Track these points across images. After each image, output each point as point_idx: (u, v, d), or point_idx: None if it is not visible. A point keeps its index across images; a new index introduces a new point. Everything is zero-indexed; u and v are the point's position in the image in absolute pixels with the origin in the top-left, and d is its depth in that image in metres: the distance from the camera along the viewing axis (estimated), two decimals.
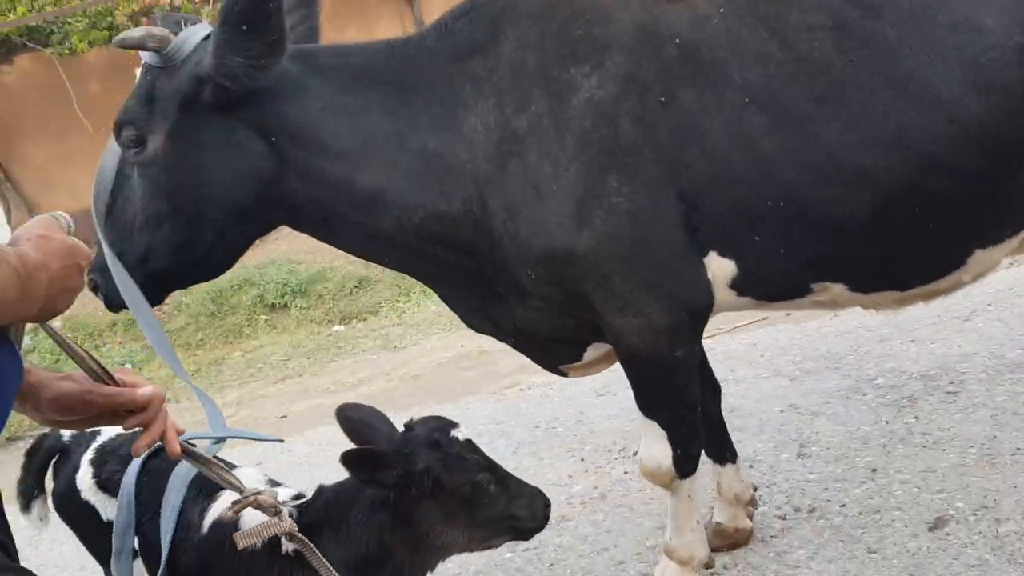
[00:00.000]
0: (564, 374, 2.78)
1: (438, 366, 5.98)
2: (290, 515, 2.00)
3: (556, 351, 2.62)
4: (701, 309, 2.36)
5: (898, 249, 2.28)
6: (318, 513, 2.09)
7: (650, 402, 2.50)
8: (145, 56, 2.32)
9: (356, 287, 8.46)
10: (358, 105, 2.34)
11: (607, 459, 3.80)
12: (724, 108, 2.18)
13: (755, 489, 3.09)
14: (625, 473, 3.62)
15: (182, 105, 2.29)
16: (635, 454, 3.75)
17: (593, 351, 2.60)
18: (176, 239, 2.38)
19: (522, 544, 3.28)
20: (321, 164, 2.34)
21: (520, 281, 2.37)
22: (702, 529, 2.74)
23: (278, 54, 2.20)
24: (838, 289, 2.39)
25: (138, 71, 2.38)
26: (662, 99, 2.20)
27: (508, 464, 3.82)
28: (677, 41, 2.22)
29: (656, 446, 2.53)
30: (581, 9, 2.29)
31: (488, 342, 5.88)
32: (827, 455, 3.31)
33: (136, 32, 2.31)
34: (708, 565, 2.77)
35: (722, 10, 2.25)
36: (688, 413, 2.52)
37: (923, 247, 2.29)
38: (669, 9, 2.28)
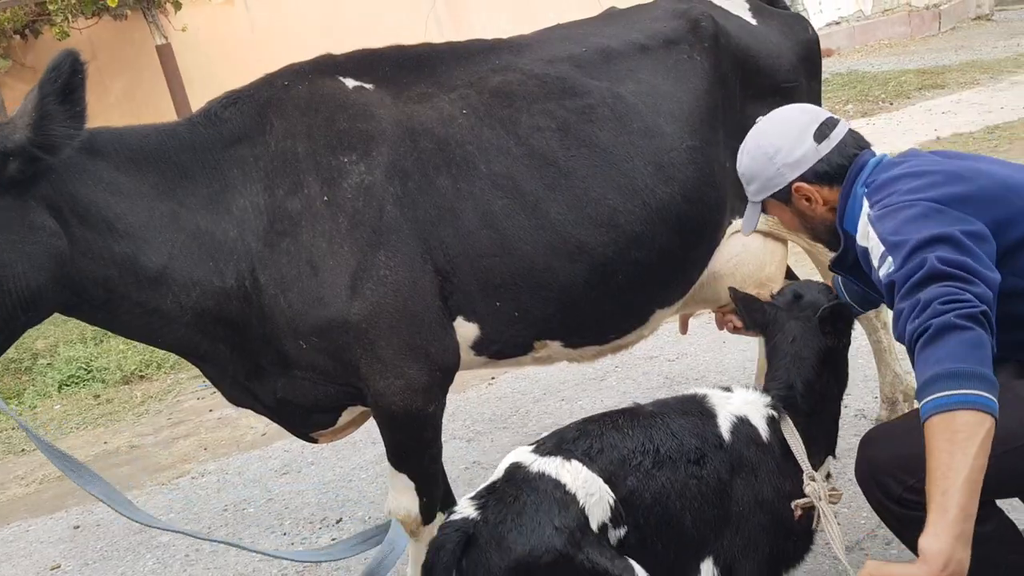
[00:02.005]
0: (314, 440, 2.92)
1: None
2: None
3: (312, 418, 2.76)
4: (452, 368, 2.68)
5: (603, 309, 2.82)
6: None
7: (402, 456, 2.74)
8: None
9: None
10: (137, 186, 2.37)
11: (310, 530, 3.91)
12: (473, 193, 2.57)
13: None
14: (332, 539, 3.75)
15: None
16: (338, 522, 3.92)
17: (347, 415, 2.79)
18: None
19: None
20: (107, 243, 2.32)
21: (287, 353, 2.52)
22: None
23: (83, 125, 2.19)
24: (555, 346, 2.87)
25: None
26: (420, 185, 2.54)
27: (203, 547, 3.82)
28: (431, 136, 2.59)
29: (405, 496, 2.77)
30: (344, 104, 2.56)
31: (137, 436, 5.67)
32: None
33: None
34: None
35: (464, 111, 2.67)
36: (432, 464, 2.81)
37: (621, 308, 2.85)
38: (419, 109, 2.65)
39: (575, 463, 2.00)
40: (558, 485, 1.96)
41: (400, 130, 2.56)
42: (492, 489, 2.02)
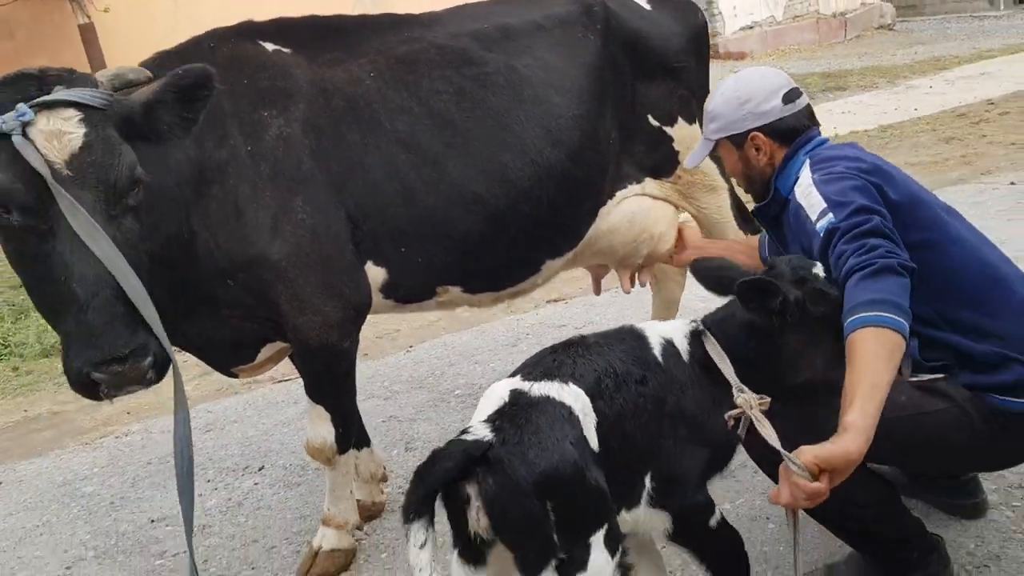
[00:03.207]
0: (235, 375, 3.17)
1: (3, 430, 5.59)
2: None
3: (235, 354, 3.01)
4: (364, 308, 2.97)
5: (498, 259, 3.14)
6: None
7: (319, 388, 3.02)
8: None
9: None
10: None
11: (234, 476, 4.14)
12: (380, 148, 2.87)
13: (385, 469, 3.71)
14: (255, 484, 4.00)
15: None
16: (260, 469, 4.17)
17: (266, 352, 3.04)
18: None
19: (170, 550, 3.53)
20: None
21: (215, 292, 2.76)
22: (354, 498, 3.29)
23: (185, 135, 2.54)
24: (455, 291, 3.18)
25: None
26: (333, 139, 2.82)
27: (130, 496, 4.03)
28: (342, 96, 2.87)
29: (322, 426, 3.04)
30: (264, 65, 2.83)
31: (58, 404, 5.78)
32: (430, 445, 4.07)
33: None
34: (359, 527, 3.32)
35: (372, 75, 2.96)
36: (347, 398, 3.10)
37: (514, 257, 3.18)
38: (332, 72, 2.93)
39: (572, 386, 2.06)
40: (563, 406, 2.01)
41: (315, 89, 2.84)
42: (501, 413, 2.01)
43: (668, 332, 2.35)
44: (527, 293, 3.44)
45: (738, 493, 3.31)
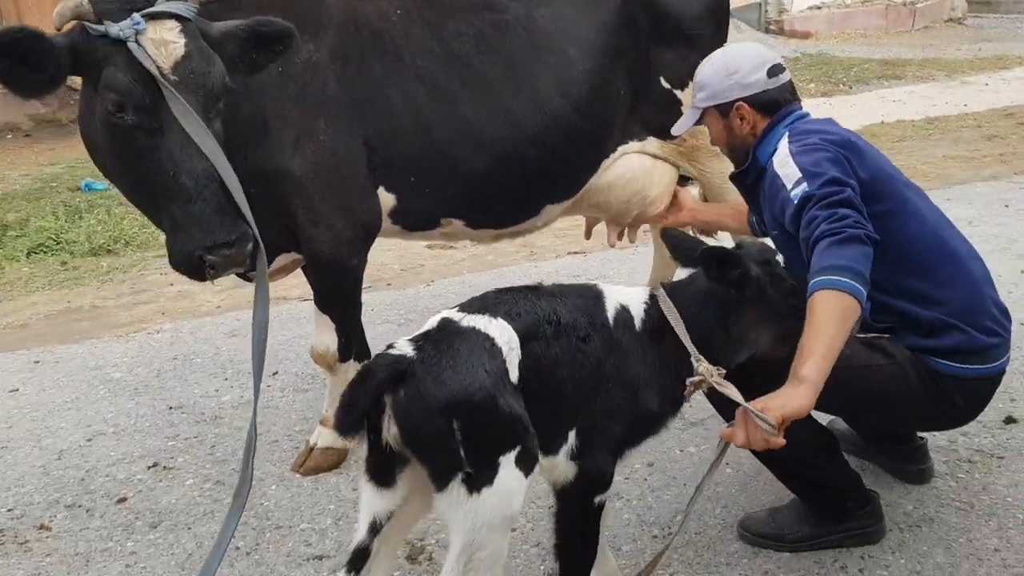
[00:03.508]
0: (250, 280, 3.43)
1: (46, 317, 5.98)
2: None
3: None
4: (373, 229, 3.22)
5: (501, 197, 3.37)
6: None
7: (326, 299, 3.29)
8: None
9: None
10: None
11: (249, 378, 4.41)
12: (400, 80, 3.10)
13: None
14: (267, 386, 4.32)
15: None
16: (275, 374, 4.48)
17: (280, 260, 3.30)
18: None
19: (182, 434, 3.86)
20: None
21: None
22: None
23: (251, 75, 2.84)
24: (458, 224, 3.41)
25: None
26: (358, 67, 3.05)
27: (153, 384, 4.37)
28: (369, 28, 3.10)
29: (327, 335, 3.32)
30: None
31: (99, 299, 6.15)
32: None
33: None
34: None
35: (399, 11, 3.18)
36: (352, 310, 3.37)
37: (517, 199, 3.40)
38: (361, 5, 3.16)
39: (501, 320, 2.15)
40: (487, 337, 2.11)
41: (345, 20, 3.06)
42: (427, 335, 2.14)
43: (626, 298, 2.42)
44: (527, 233, 3.67)
45: (704, 439, 3.54)
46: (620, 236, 3.92)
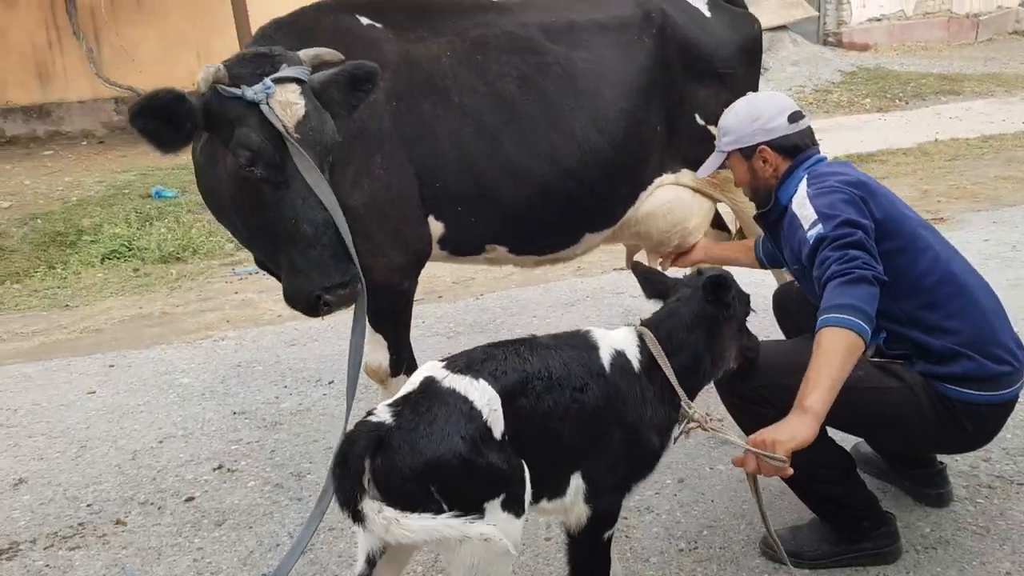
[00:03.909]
0: None
1: (119, 323, 6.36)
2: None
3: None
4: (424, 255, 3.47)
5: (541, 226, 3.58)
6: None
7: (380, 320, 3.53)
8: None
9: None
10: None
11: (308, 386, 4.75)
12: (448, 119, 3.34)
13: None
14: (324, 395, 4.60)
15: None
16: (331, 383, 4.76)
17: None
18: None
19: (245, 439, 4.15)
20: None
21: None
22: None
23: (347, 114, 3.05)
24: (502, 251, 3.64)
25: None
26: (410, 107, 3.30)
27: (218, 390, 4.68)
28: (421, 70, 3.35)
29: (380, 352, 3.57)
30: (359, 37, 3.31)
31: (169, 305, 6.50)
32: None
33: None
34: None
35: (448, 54, 3.42)
36: (404, 330, 3.61)
37: (556, 228, 3.62)
38: (414, 48, 3.40)
39: (482, 382, 2.20)
40: (466, 400, 2.16)
41: (400, 62, 3.31)
42: (407, 399, 2.20)
43: (618, 342, 2.53)
44: (568, 260, 3.89)
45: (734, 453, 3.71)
46: (664, 266, 4.11)
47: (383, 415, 2.16)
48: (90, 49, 11.68)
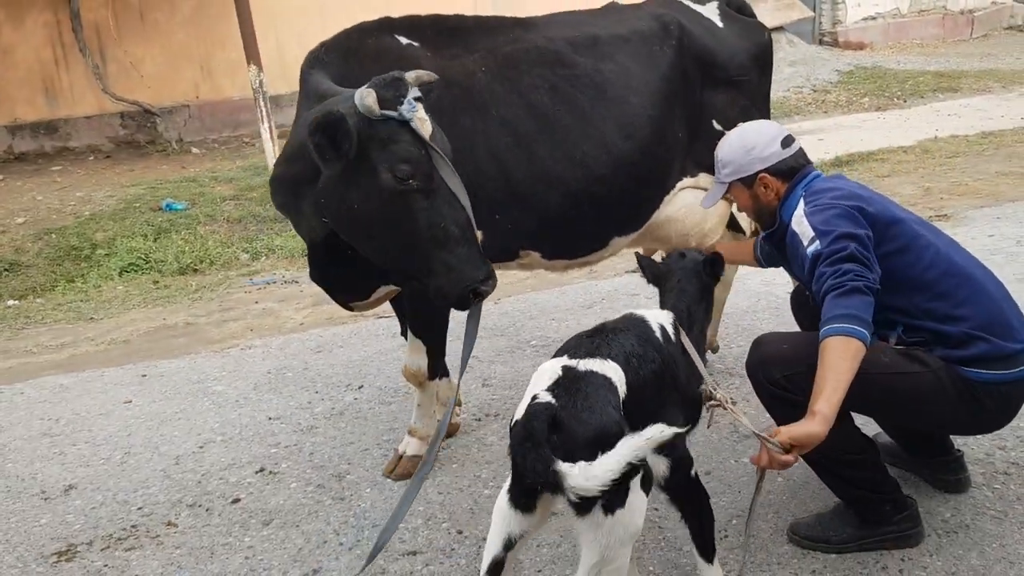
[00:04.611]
0: (351, 309, 3.85)
1: (145, 334, 6.49)
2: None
3: (356, 290, 3.66)
4: None
5: (573, 231, 3.74)
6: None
7: (421, 327, 3.69)
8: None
9: (6, 270, 8.40)
10: None
11: (339, 391, 4.89)
12: (486, 131, 3.49)
13: (459, 393, 4.39)
14: (355, 399, 4.75)
15: None
16: (360, 387, 4.90)
17: (378, 292, 3.70)
18: None
19: (283, 442, 4.29)
20: None
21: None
22: (435, 417, 3.98)
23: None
24: (535, 256, 3.80)
25: None
26: (451, 121, 3.44)
27: (252, 397, 4.82)
28: (459, 86, 3.50)
29: (419, 356, 3.73)
30: (400, 56, 3.47)
31: (192, 316, 6.63)
32: (504, 384, 4.75)
33: None
34: None
35: (483, 69, 3.58)
36: (441, 336, 3.77)
37: (587, 232, 3.78)
38: (451, 65, 3.56)
39: (611, 362, 2.51)
40: (606, 378, 2.45)
41: (438, 79, 3.47)
42: (557, 384, 2.42)
43: (659, 318, 2.89)
44: (595, 264, 4.04)
45: (756, 451, 3.86)
46: None
47: (545, 397, 2.36)
48: (96, 65, 11.79)
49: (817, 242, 2.88)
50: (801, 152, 3.26)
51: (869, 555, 3.13)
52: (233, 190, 9.44)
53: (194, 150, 11.88)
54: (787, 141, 3.23)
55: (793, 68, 13.71)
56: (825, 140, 10.26)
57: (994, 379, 2.92)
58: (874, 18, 16.73)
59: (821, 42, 16.22)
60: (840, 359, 2.64)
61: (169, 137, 12.04)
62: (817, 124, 11.40)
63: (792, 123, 11.52)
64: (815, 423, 2.59)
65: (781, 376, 2.99)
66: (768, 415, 3.17)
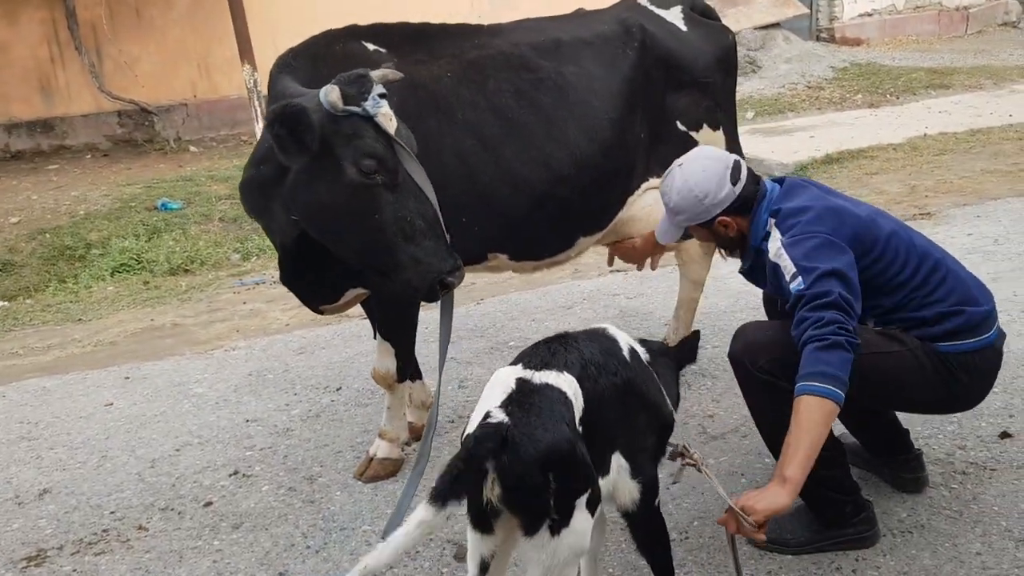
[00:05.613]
0: (322, 312, 3.90)
1: (132, 335, 6.54)
2: None
3: (326, 294, 3.71)
4: None
5: (539, 232, 3.80)
6: None
7: (390, 329, 3.74)
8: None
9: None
10: None
11: (317, 393, 4.94)
12: (451, 134, 3.54)
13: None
14: (332, 401, 4.80)
15: None
16: (338, 389, 4.95)
17: (348, 295, 3.74)
18: None
19: (258, 445, 4.34)
20: None
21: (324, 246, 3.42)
22: (406, 420, 4.03)
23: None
24: (503, 258, 3.85)
25: None
26: (416, 125, 3.47)
27: (231, 399, 4.87)
28: (425, 90, 3.55)
29: (388, 359, 3.77)
30: (367, 61, 3.48)
31: (180, 316, 6.68)
32: (481, 386, 4.78)
33: None
34: (407, 443, 4.07)
35: (449, 74, 3.63)
36: (409, 339, 3.82)
37: (553, 233, 3.83)
38: (417, 70, 3.61)
39: (566, 374, 2.42)
40: (560, 392, 2.37)
41: (405, 83, 3.50)
42: (511, 399, 2.34)
43: (630, 341, 2.82)
44: (563, 263, 4.10)
45: (723, 452, 3.91)
46: (652, 265, 4.31)
47: (498, 415, 2.29)
48: (92, 63, 11.82)
49: (800, 279, 2.85)
50: (751, 175, 3.14)
51: (824, 556, 3.17)
52: (229, 189, 9.46)
53: (192, 148, 11.91)
54: (735, 174, 3.08)
55: (789, 65, 13.72)
56: (816, 137, 10.28)
57: (966, 348, 3.01)
58: (870, 14, 16.70)
59: (818, 38, 16.20)
60: (816, 424, 2.66)
61: (167, 136, 12.06)
62: (810, 121, 11.40)
63: (786, 120, 11.55)
64: (784, 493, 2.61)
65: (766, 361, 3.03)
66: (748, 413, 3.28)
